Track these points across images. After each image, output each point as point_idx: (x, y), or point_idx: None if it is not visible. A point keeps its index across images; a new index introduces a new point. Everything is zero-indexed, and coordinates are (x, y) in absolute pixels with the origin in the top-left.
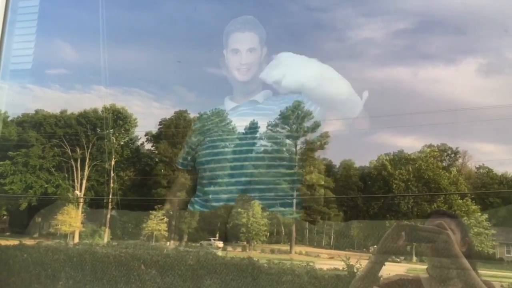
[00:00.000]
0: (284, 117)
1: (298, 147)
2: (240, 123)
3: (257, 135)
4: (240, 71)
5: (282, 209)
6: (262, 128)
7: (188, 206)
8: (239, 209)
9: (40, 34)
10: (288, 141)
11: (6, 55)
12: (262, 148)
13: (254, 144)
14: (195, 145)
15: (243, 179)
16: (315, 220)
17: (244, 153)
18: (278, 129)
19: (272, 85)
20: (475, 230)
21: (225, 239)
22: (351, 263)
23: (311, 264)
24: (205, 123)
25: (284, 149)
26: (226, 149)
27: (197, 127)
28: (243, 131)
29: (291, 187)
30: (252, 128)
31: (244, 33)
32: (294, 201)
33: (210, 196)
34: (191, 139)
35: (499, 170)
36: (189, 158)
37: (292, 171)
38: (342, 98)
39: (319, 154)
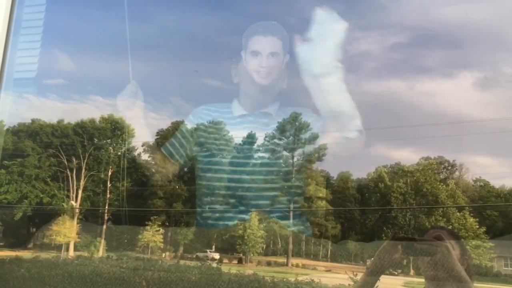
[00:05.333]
0: (281, 129)
1: (295, 159)
2: (245, 134)
3: (255, 146)
4: (260, 73)
5: (280, 221)
6: (260, 140)
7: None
8: (236, 221)
9: (39, 45)
10: (285, 152)
11: (10, 65)
12: (260, 160)
13: (251, 155)
14: (191, 154)
15: (239, 190)
16: (312, 232)
17: (242, 165)
18: (275, 140)
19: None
20: (473, 243)
21: (222, 251)
22: (350, 276)
23: (316, 281)
24: (201, 134)
25: (281, 160)
26: (223, 160)
27: (194, 138)
28: (241, 142)
29: (289, 199)
30: (250, 138)
31: (267, 37)
32: (291, 213)
33: (207, 207)
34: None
35: (496, 183)
36: (177, 151)
37: (289, 183)
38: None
39: (317, 166)
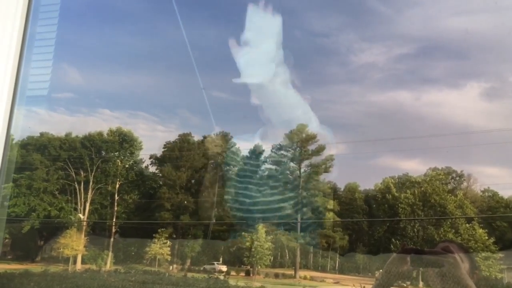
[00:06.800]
0: (288, 140)
1: (302, 170)
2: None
3: (262, 158)
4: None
5: (287, 233)
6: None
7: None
8: (243, 233)
9: (51, 63)
10: (292, 164)
11: (23, 82)
12: (267, 171)
13: (258, 167)
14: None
15: (246, 203)
16: (320, 244)
17: (248, 177)
18: (282, 152)
19: None
20: (483, 254)
21: (229, 263)
22: None
23: None
24: (211, 148)
25: (289, 172)
26: (231, 172)
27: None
28: (248, 154)
29: (296, 210)
30: (257, 151)
31: None
32: (299, 224)
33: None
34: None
35: (504, 193)
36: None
37: (296, 194)
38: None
39: (324, 177)
